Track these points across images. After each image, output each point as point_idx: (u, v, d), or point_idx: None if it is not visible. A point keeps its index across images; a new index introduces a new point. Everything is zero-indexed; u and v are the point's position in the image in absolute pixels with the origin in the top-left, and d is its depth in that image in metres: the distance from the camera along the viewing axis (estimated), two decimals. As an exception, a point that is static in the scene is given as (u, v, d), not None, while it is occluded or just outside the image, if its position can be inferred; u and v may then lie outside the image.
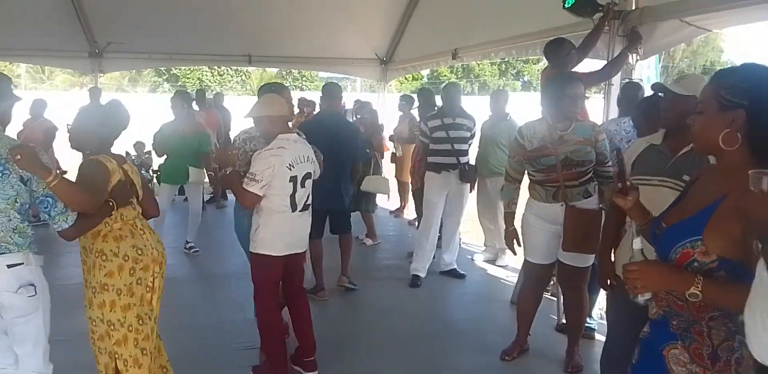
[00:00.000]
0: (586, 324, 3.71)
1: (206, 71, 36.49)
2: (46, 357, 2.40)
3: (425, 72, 27.48)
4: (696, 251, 1.46)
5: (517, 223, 3.45)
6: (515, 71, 40.37)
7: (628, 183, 1.79)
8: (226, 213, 7.64)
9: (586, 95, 3.98)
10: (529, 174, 3.31)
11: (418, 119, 6.15)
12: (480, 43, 6.86)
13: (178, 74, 36.27)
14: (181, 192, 6.73)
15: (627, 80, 4.08)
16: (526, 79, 40.98)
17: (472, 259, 5.64)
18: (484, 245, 5.72)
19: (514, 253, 3.56)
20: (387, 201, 7.00)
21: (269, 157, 2.96)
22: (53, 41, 8.33)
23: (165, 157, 5.74)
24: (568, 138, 3.15)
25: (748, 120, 1.43)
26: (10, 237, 2.22)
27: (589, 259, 3.27)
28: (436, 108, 5.52)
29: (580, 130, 3.18)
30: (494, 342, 3.67)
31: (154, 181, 8.27)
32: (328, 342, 3.74)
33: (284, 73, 43.09)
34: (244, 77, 39.65)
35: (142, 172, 8.68)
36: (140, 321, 2.52)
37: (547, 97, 3.21)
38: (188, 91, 10.40)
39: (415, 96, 6.99)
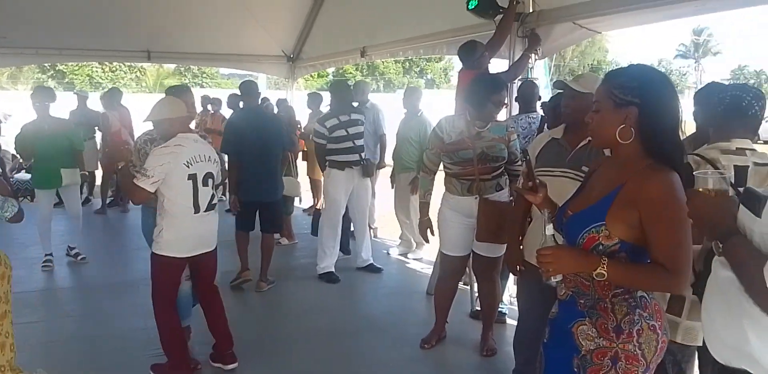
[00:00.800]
0: (498, 310, 3.93)
1: (96, 67, 34.24)
2: None
3: (331, 70, 27.46)
4: (600, 235, 1.62)
5: (433, 216, 3.58)
6: (419, 69, 41.17)
7: (537, 181, 1.95)
8: (129, 217, 7.33)
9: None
10: (445, 167, 3.43)
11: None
12: (388, 42, 6.98)
13: (65, 70, 33.79)
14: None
15: (523, 79, 4.32)
16: (429, 77, 41.92)
17: (388, 253, 5.76)
18: (399, 238, 5.86)
19: (427, 242, 3.69)
20: (299, 203, 7.00)
21: (163, 154, 2.96)
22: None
23: (33, 160, 5.32)
24: (485, 135, 3.32)
25: (639, 116, 1.60)
26: None
27: (502, 249, 3.44)
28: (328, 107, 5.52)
29: (495, 129, 3.36)
30: (414, 333, 3.78)
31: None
32: (249, 341, 3.72)
33: (183, 69, 41.41)
34: (139, 74, 37.62)
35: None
36: None
37: (472, 98, 3.32)
38: (51, 87, 9.73)
39: (322, 93, 7.00)
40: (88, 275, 5.18)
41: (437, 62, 40.55)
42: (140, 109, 7.20)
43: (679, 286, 1.59)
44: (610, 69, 2.85)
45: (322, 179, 5.87)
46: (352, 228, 5.31)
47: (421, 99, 5.61)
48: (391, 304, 4.54)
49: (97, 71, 34.71)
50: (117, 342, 3.71)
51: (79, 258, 5.41)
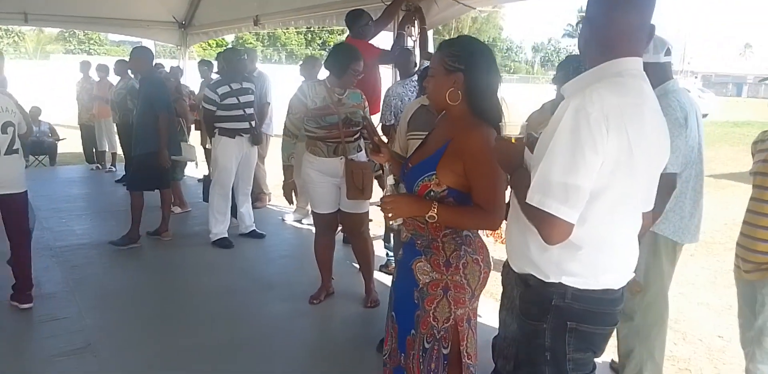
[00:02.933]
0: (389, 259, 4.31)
1: (-35, 29, 31.12)
2: None
3: (230, 38, 26.57)
4: (432, 183, 1.90)
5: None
6: (321, 41, 40.80)
7: (377, 139, 2.23)
8: None
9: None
10: (309, 131, 3.59)
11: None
12: (280, 11, 6.99)
13: (-72, 32, 30.46)
14: None
15: (400, 48, 4.57)
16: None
17: (283, 220, 5.90)
18: (296, 206, 5.99)
19: (291, 203, 3.87)
20: (195, 169, 6.90)
21: None
22: None
23: None
24: (345, 101, 3.55)
25: (465, 80, 1.88)
26: None
27: (366, 205, 3.74)
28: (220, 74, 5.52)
29: (353, 97, 3.59)
30: (304, 291, 3.97)
31: None
32: (144, 300, 3.82)
33: (67, 34, 38.42)
34: (17, 38, 34.53)
35: None
36: None
37: (332, 66, 3.50)
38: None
39: (214, 61, 6.90)
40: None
41: (340, 35, 40.28)
42: (20, 76, 6.80)
43: (495, 223, 1.90)
44: (504, 46, 3.18)
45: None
46: None
47: (320, 68, 5.68)
48: (283, 266, 4.72)
49: (-36, 33, 31.51)
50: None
51: None
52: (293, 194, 3.76)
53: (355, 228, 3.75)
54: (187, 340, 3.30)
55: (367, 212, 3.76)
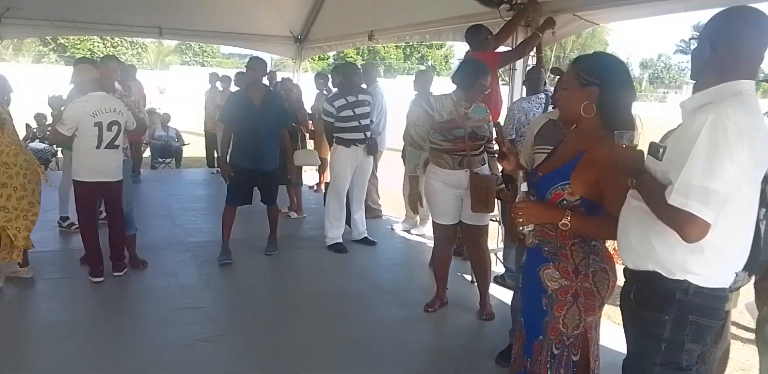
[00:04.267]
0: (507, 274, 4.32)
1: (98, 42, 34.19)
2: None
3: (332, 53, 27.52)
4: (565, 192, 1.98)
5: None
6: (419, 55, 41.33)
7: (506, 148, 2.32)
8: (142, 188, 7.55)
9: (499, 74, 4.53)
10: (434, 143, 3.70)
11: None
12: (396, 27, 7.21)
13: (66, 44, 33.74)
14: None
15: (530, 66, 4.61)
16: (429, 63, 42.11)
17: (392, 229, 6.05)
18: (405, 216, 6.13)
19: (416, 213, 3.98)
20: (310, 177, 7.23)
21: (73, 108, 3.99)
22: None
23: None
24: (471, 115, 3.65)
25: (600, 95, 1.95)
26: None
27: (488, 218, 3.81)
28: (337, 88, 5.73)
29: (478, 111, 3.68)
30: (416, 298, 4.08)
31: (59, 154, 8.02)
32: (260, 300, 4.07)
33: (183, 47, 41.30)
34: (140, 49, 37.59)
35: (45, 143, 8.37)
36: None
37: (460, 80, 3.63)
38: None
39: (329, 74, 7.22)
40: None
41: (438, 49, 40.69)
42: (144, 84, 7.49)
43: None
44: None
45: (328, 157, 6.15)
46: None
47: (432, 82, 5.83)
48: (395, 273, 4.86)
49: (98, 46, 34.62)
50: (143, 298, 4.03)
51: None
52: (418, 204, 3.87)
53: (475, 240, 3.82)
54: (307, 337, 3.49)
55: (488, 225, 3.83)
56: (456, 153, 3.64)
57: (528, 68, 4.60)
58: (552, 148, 3.00)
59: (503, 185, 4.18)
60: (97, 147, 4.00)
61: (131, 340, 3.37)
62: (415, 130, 3.76)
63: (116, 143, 4.08)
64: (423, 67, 38.92)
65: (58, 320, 3.60)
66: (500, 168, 2.93)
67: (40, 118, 8.86)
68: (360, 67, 5.88)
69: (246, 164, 4.69)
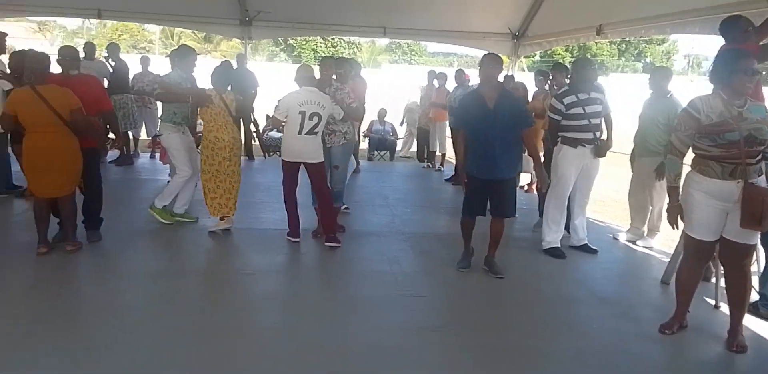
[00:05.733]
0: (762, 303, 3.80)
1: (320, 42, 37.45)
2: None
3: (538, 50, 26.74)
4: None
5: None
6: (636, 52, 38.18)
7: None
8: (358, 176, 8.00)
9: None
10: (701, 149, 3.27)
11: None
12: (628, 20, 6.72)
13: (294, 44, 37.53)
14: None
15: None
16: (648, 60, 38.65)
17: (615, 238, 5.62)
18: (630, 225, 5.67)
19: (675, 228, 3.54)
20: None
21: (286, 99, 4.73)
22: (209, 8, 9.05)
23: None
24: (747, 116, 3.14)
25: None
26: None
27: (756, 237, 3.29)
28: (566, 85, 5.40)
29: (754, 110, 3.17)
30: (646, 315, 3.72)
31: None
32: (480, 297, 4.05)
33: (394, 46, 43.39)
34: (356, 49, 40.31)
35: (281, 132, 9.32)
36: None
37: (719, 72, 3.19)
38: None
39: (549, 71, 6.94)
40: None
41: (659, 45, 37.21)
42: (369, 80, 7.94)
43: None
44: None
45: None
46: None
47: (671, 80, 5.30)
48: (618, 285, 4.52)
49: (320, 46, 37.94)
50: (362, 280, 4.26)
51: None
52: (679, 218, 3.42)
53: (738, 259, 3.34)
54: (534, 341, 3.37)
55: (755, 244, 3.33)
56: (727, 160, 3.18)
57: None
58: None
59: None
60: (298, 133, 4.65)
61: (353, 319, 3.53)
62: (676, 135, 3.36)
63: (315, 131, 4.69)
64: (639, 65, 36.06)
65: (273, 290, 4.01)
66: None
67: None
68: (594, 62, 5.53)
69: (478, 173, 4.31)
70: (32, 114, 4.04)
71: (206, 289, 4.00)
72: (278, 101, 4.85)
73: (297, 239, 4.94)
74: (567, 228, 5.22)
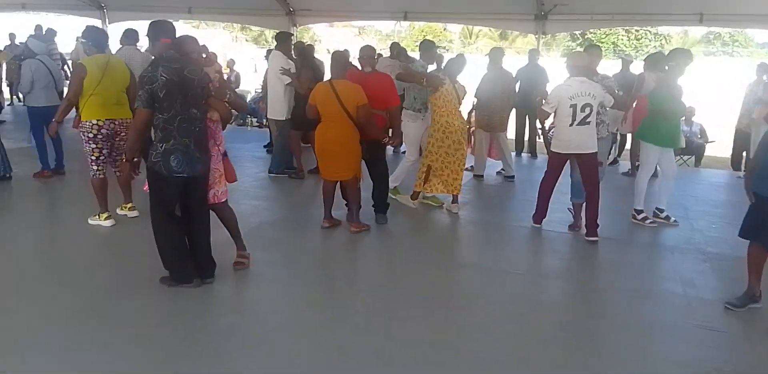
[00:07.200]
0: None
1: (622, 35, 34.84)
2: None
3: None
4: None
5: None
6: None
7: None
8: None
9: None
10: None
11: None
12: None
13: (593, 38, 35.62)
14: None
15: None
16: None
17: None
18: None
19: None
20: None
21: (557, 91, 4.69)
22: (505, 5, 9.09)
23: None
24: None
25: None
26: None
27: None
28: None
29: None
30: None
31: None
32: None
33: (712, 37, 38.14)
34: (663, 41, 36.48)
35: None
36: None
37: None
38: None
39: None
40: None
41: None
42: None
43: None
44: None
45: None
46: None
47: None
48: None
49: (622, 39, 35.34)
50: (657, 302, 3.74)
51: (671, 220, 5.29)
52: None
53: None
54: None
55: None
56: None
57: None
58: None
59: None
60: (570, 124, 4.59)
61: (645, 346, 3.12)
62: None
63: (588, 121, 4.60)
64: None
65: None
66: None
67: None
68: None
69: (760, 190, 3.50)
70: (325, 106, 4.53)
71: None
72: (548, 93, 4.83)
73: (538, 225, 5.06)
74: None
